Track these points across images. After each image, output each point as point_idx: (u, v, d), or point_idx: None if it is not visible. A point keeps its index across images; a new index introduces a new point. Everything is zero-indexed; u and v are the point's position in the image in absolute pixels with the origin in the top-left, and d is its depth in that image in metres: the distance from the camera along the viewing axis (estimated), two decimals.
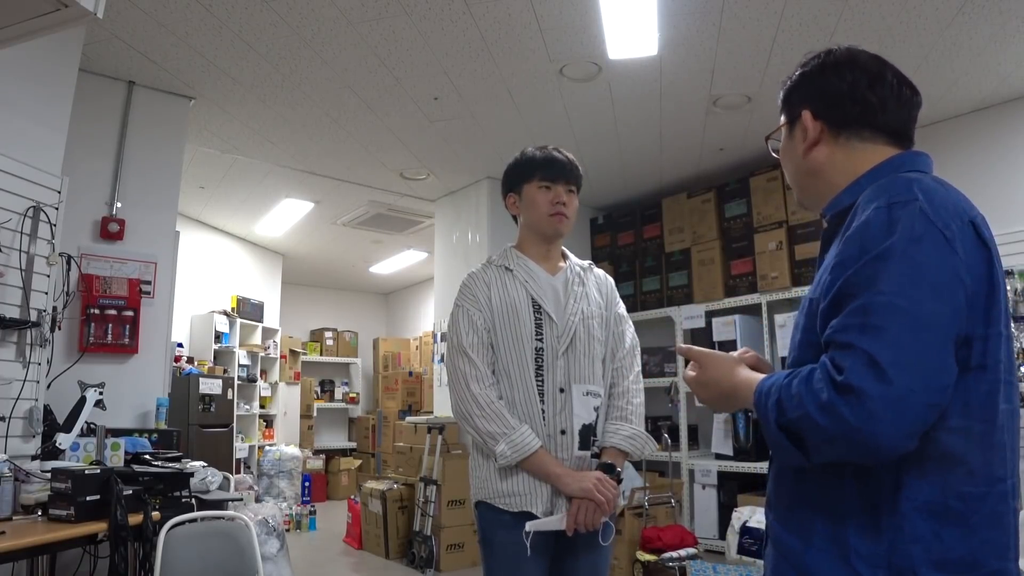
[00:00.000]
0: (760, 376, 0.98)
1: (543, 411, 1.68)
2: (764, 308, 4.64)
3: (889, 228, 0.86)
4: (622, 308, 1.93)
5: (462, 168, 5.16)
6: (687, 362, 1.11)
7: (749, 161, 4.93)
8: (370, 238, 7.23)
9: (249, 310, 7.08)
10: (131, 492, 2.35)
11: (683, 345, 1.13)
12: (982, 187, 4.10)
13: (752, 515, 3.79)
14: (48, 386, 2.89)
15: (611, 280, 1.96)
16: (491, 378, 1.71)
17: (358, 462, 8.17)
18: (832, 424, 0.81)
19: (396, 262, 8.24)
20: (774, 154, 1.18)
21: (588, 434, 1.71)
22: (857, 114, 1.02)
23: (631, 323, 1.95)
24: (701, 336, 5.02)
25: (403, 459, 5.42)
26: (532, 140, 4.57)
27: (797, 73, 1.10)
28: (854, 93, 1.02)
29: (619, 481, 1.69)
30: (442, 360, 5.49)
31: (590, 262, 1.96)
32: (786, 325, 4.41)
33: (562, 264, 1.87)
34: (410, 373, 8.19)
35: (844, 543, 0.88)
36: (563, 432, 1.68)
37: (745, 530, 3.75)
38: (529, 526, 1.61)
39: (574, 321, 1.76)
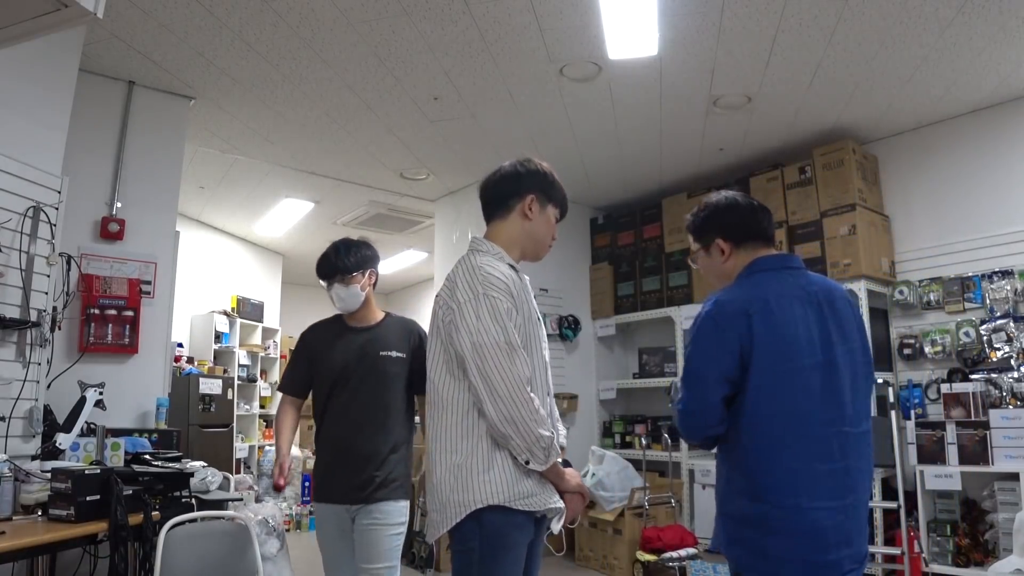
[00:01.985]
0: None
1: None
2: None
3: (693, 325, 1.67)
4: None
5: (462, 168, 5.16)
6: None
7: (749, 161, 4.93)
8: (370, 238, 7.22)
9: (249, 310, 7.07)
10: (131, 492, 2.35)
11: None
12: (981, 187, 4.10)
13: None
14: (48, 386, 2.89)
15: None
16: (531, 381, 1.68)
17: None
18: (677, 424, 1.70)
19: (396, 262, 8.24)
20: (692, 264, 1.90)
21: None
22: (744, 232, 1.75)
23: None
24: None
25: None
26: (532, 140, 4.57)
27: (702, 215, 1.81)
28: (742, 220, 1.76)
29: None
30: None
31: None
32: None
33: None
34: None
35: (728, 483, 1.65)
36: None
37: None
38: (555, 527, 1.71)
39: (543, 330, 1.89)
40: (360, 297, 2.41)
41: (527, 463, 1.62)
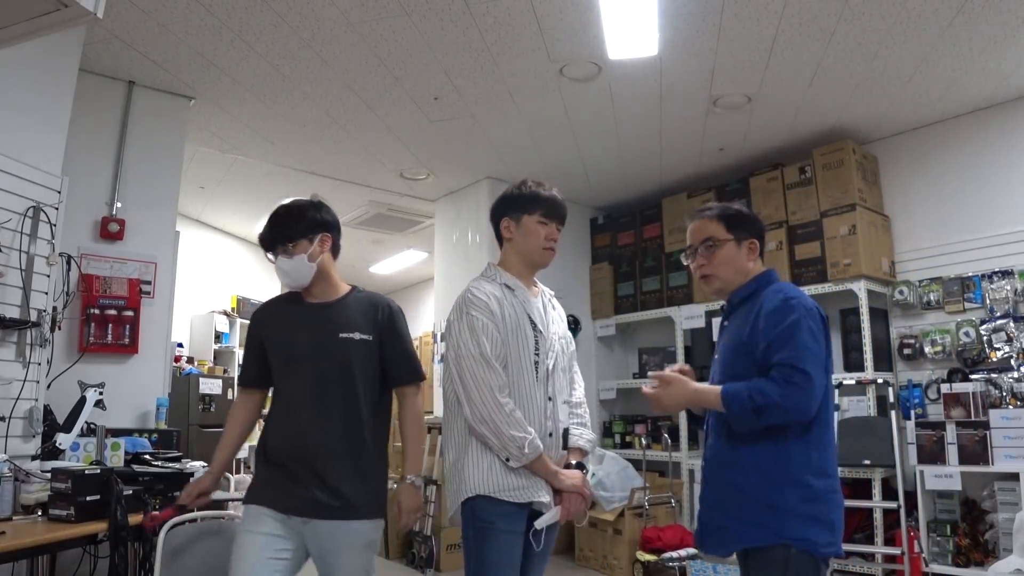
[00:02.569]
0: (716, 386, 1.75)
1: (541, 418, 1.93)
2: None
3: (789, 310, 1.72)
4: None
5: (462, 168, 5.16)
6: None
7: (749, 161, 4.93)
8: (370, 238, 7.23)
9: (249, 310, 7.07)
10: (131, 492, 2.35)
11: (654, 372, 1.92)
12: (981, 187, 4.10)
13: None
14: (48, 386, 2.89)
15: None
16: (507, 387, 1.88)
17: None
18: (788, 402, 1.63)
19: (396, 262, 8.25)
20: (686, 261, 1.98)
21: (566, 436, 2.02)
22: (764, 246, 1.95)
23: None
24: (701, 336, 5.02)
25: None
26: (532, 140, 4.57)
27: (745, 212, 1.93)
28: (764, 237, 1.95)
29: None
30: (442, 360, 5.48)
31: (549, 290, 2.19)
32: None
33: (535, 288, 2.11)
34: None
35: (789, 463, 1.69)
36: (551, 435, 1.95)
37: None
38: (539, 524, 1.85)
39: (554, 340, 2.03)
40: (309, 269, 2.00)
41: (508, 460, 1.82)
